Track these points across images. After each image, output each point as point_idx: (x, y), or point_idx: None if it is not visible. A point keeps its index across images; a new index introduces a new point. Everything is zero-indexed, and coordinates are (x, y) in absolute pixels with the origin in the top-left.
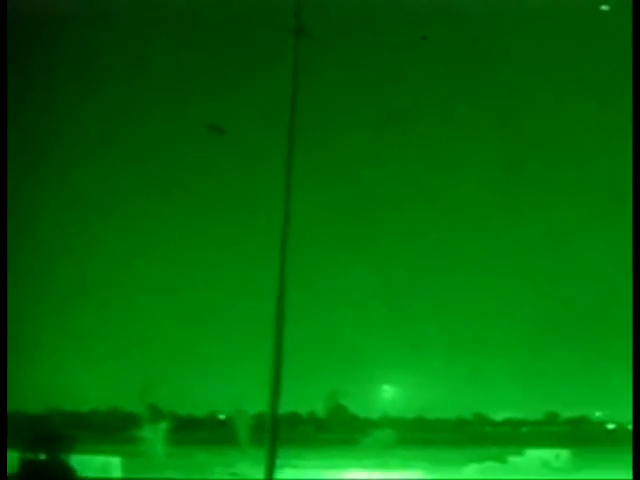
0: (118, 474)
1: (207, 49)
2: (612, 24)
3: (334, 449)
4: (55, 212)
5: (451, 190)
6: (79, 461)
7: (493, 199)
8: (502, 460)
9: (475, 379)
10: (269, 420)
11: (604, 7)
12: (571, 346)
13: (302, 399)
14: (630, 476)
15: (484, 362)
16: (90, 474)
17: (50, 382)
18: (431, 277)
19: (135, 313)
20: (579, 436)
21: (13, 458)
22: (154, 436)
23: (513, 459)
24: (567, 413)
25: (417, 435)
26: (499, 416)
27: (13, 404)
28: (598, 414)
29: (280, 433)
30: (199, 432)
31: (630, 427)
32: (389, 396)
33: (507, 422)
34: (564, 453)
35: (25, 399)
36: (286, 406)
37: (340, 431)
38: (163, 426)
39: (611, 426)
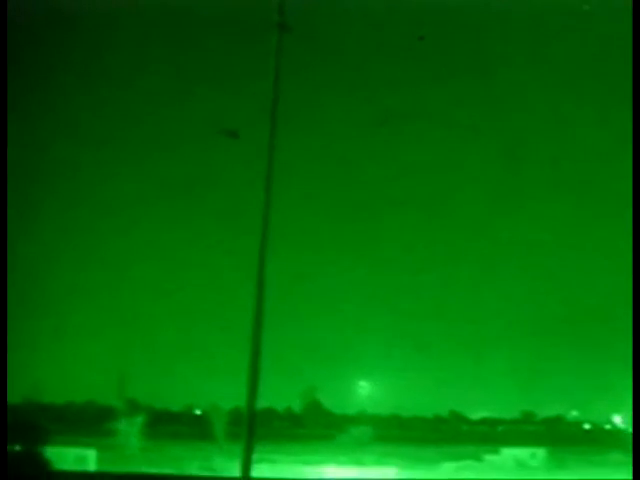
0: (93, 467)
1: (191, 46)
2: (612, 24)
3: (310, 445)
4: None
5: (450, 191)
6: (54, 453)
7: (492, 199)
8: (478, 458)
9: (452, 377)
10: (246, 415)
11: (586, 7)
12: (549, 346)
13: (279, 395)
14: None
15: (461, 361)
16: (65, 467)
17: (26, 374)
18: (410, 275)
19: (113, 309)
20: (555, 435)
21: None
22: (130, 429)
23: (489, 458)
24: (543, 413)
25: (393, 432)
26: (476, 415)
27: None
28: (574, 414)
29: (256, 428)
30: (175, 426)
31: (606, 427)
32: (366, 393)
33: (483, 421)
34: (540, 452)
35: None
36: (263, 402)
37: (316, 427)
38: (139, 420)
39: (587, 426)
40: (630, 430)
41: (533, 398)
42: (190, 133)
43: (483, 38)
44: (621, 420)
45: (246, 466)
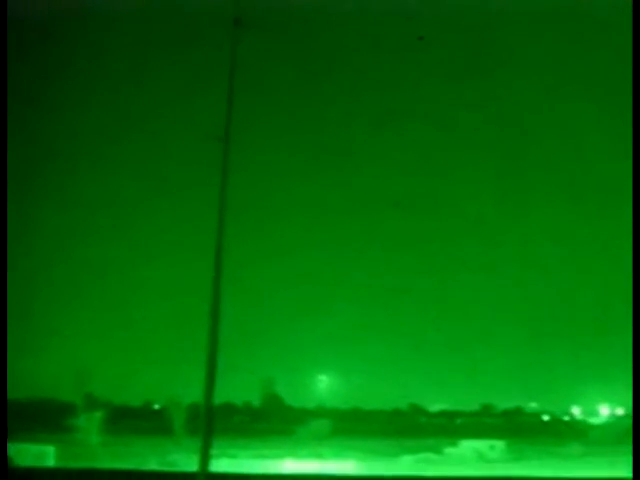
0: (52, 463)
1: (146, 42)
2: (612, 24)
3: (270, 439)
4: None
5: (449, 191)
6: (13, 449)
7: (491, 199)
8: (437, 451)
9: (411, 370)
10: (204, 410)
11: None
12: (508, 339)
13: (238, 389)
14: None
15: (420, 353)
16: (25, 463)
17: None
18: (368, 267)
19: (72, 306)
20: (514, 427)
21: None
22: (89, 425)
23: (448, 450)
24: (502, 405)
25: (352, 425)
26: (434, 407)
27: None
28: (533, 406)
29: (216, 423)
30: (134, 422)
31: (565, 418)
32: (324, 387)
33: (442, 413)
34: (499, 444)
35: None
36: (222, 396)
37: (275, 421)
38: (98, 415)
39: (545, 417)
40: (588, 421)
41: (492, 390)
42: (146, 129)
43: (483, 39)
44: (579, 411)
45: (204, 460)
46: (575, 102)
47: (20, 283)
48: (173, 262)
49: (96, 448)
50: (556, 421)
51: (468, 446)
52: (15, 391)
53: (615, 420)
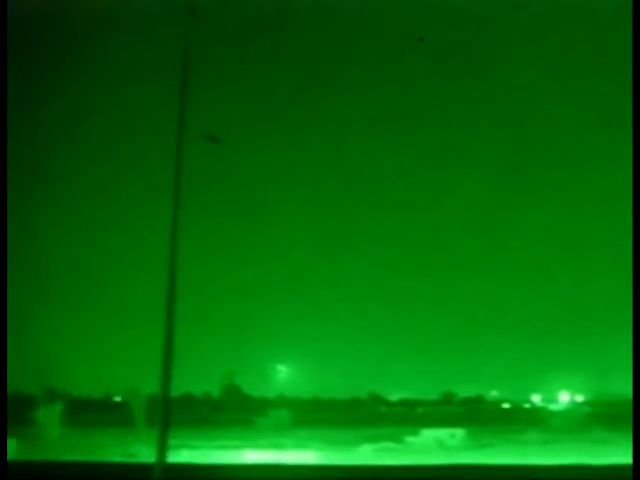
0: (12, 456)
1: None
2: (612, 24)
3: (230, 429)
4: None
5: (448, 191)
6: None
7: (491, 200)
8: (397, 440)
9: (371, 359)
10: (161, 401)
11: None
12: (469, 325)
13: (197, 380)
14: None
15: (380, 342)
16: None
17: None
18: (329, 258)
19: (28, 295)
20: (474, 416)
21: None
22: (49, 418)
23: (408, 439)
24: (463, 393)
25: (312, 415)
26: (394, 396)
27: None
28: (494, 394)
29: (176, 414)
30: (94, 414)
31: (525, 406)
32: (284, 376)
33: (403, 402)
34: (459, 432)
35: None
36: (181, 387)
37: (236, 411)
38: (58, 408)
39: (506, 405)
40: (548, 408)
41: (453, 378)
42: (95, 124)
43: (483, 38)
44: (540, 399)
45: (161, 451)
46: (577, 102)
47: None
48: (130, 245)
49: (56, 441)
50: (516, 409)
51: (428, 435)
52: None
53: (574, 407)
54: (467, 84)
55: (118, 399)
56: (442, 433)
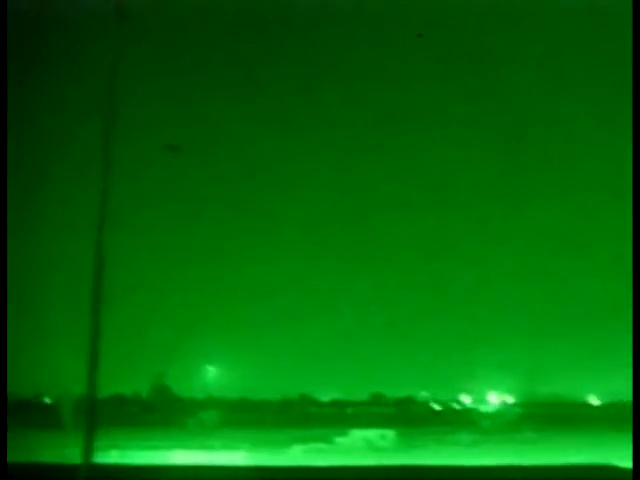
0: None
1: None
2: (612, 23)
3: (158, 430)
4: None
5: (447, 189)
6: None
7: (491, 199)
8: (327, 441)
9: (301, 359)
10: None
11: None
12: (399, 326)
13: (126, 380)
14: None
15: (310, 342)
16: None
17: None
18: (262, 255)
19: None
20: (405, 416)
21: None
22: None
23: (338, 440)
24: (393, 394)
25: (241, 416)
26: (325, 397)
27: None
28: (424, 394)
29: (104, 414)
30: (25, 415)
31: (455, 406)
32: (213, 377)
33: (333, 403)
34: (389, 433)
35: None
36: (110, 387)
37: (164, 412)
38: None
39: (436, 406)
40: (479, 409)
41: (383, 379)
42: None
43: (483, 35)
44: (470, 400)
45: (87, 452)
46: (575, 99)
47: None
48: (53, 242)
49: None
50: (447, 410)
51: (358, 435)
52: None
53: (504, 409)
54: (467, 83)
55: (48, 400)
56: (372, 434)
